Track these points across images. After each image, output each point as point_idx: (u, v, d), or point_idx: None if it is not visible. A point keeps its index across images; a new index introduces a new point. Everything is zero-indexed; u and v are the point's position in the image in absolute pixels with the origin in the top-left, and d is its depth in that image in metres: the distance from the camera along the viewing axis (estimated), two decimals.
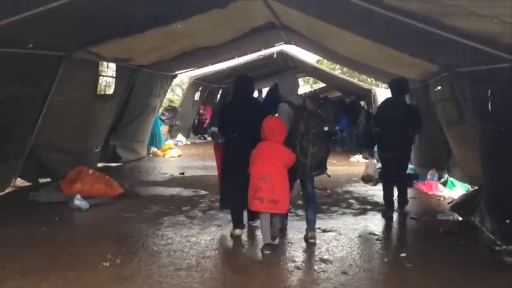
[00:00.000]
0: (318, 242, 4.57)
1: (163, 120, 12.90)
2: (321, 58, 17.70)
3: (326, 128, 14.03)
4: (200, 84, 14.84)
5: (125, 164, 9.02)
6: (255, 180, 4.17)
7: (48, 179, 6.59)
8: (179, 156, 10.89)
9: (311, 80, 24.00)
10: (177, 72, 11.23)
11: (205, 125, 15.55)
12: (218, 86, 16.22)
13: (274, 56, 13.01)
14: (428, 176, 7.82)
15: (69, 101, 6.55)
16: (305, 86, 25.28)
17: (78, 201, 5.46)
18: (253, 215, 4.83)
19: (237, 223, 4.68)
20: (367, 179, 6.46)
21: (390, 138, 5.64)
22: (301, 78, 22.95)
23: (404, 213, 5.93)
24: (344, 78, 15.15)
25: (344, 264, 3.95)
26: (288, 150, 4.26)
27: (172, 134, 13.56)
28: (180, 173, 8.45)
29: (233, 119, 4.66)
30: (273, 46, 12.18)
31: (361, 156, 11.61)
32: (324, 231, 4.97)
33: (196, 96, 15.09)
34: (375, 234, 4.96)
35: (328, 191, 7.25)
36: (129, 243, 4.29)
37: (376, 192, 7.15)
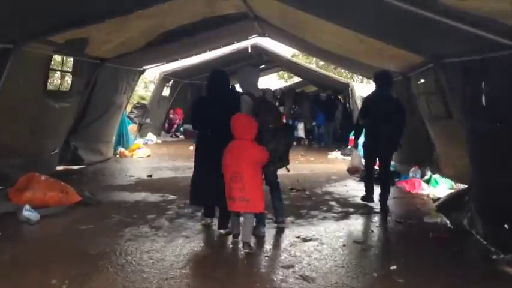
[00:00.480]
0: (298, 254, 4.10)
1: (131, 119, 12.14)
2: (297, 52, 17.28)
3: (301, 125, 13.73)
4: (170, 80, 14.08)
5: (88, 166, 8.30)
6: (227, 180, 4.13)
7: None
8: (148, 156, 10.21)
9: (286, 74, 23.56)
10: (145, 67, 10.54)
11: (173, 129, 14.84)
12: (190, 82, 15.48)
13: (249, 51, 12.50)
14: (411, 174, 7.48)
15: (17, 99, 5.85)
16: (280, 81, 24.85)
17: (27, 212, 4.80)
18: (224, 224, 4.56)
19: (207, 215, 4.82)
20: (353, 171, 6.42)
21: (380, 131, 5.52)
22: (276, 73, 22.53)
23: (388, 215, 5.56)
24: (320, 72, 14.72)
25: (329, 282, 3.47)
26: (257, 148, 4.13)
27: (142, 132, 12.84)
28: (148, 175, 7.82)
29: (207, 115, 4.54)
30: (247, 39, 11.66)
31: (339, 153, 11.25)
32: (305, 240, 4.49)
33: (165, 91, 14.32)
34: (360, 243, 4.51)
35: (307, 192, 6.80)
36: (80, 264, 3.67)
37: (357, 192, 6.76)
